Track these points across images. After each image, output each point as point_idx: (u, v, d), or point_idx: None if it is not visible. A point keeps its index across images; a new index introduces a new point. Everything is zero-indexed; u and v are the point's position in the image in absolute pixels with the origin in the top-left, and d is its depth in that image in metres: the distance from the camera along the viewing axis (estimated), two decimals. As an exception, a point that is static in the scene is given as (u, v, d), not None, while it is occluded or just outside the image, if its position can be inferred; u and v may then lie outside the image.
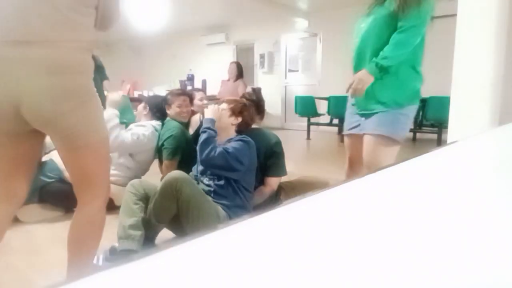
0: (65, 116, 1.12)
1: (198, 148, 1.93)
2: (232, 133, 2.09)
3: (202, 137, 1.92)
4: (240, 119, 2.10)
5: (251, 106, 2.18)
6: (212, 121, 2.00)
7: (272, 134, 2.32)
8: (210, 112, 2.04)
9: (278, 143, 2.27)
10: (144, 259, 0.26)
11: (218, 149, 1.87)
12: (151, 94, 5.17)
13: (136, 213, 1.81)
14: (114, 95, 2.55)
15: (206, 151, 1.85)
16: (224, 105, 2.11)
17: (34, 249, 1.98)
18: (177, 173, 1.76)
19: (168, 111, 2.82)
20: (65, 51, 1.10)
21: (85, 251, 1.34)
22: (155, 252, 0.26)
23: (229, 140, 2.01)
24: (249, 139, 2.01)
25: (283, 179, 2.45)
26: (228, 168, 1.89)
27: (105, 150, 1.31)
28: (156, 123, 2.79)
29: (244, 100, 2.20)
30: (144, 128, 2.66)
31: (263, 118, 2.50)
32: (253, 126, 2.35)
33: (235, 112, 2.09)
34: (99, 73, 4.75)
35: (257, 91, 2.51)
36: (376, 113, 1.71)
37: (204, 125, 1.98)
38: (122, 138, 2.49)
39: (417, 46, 1.70)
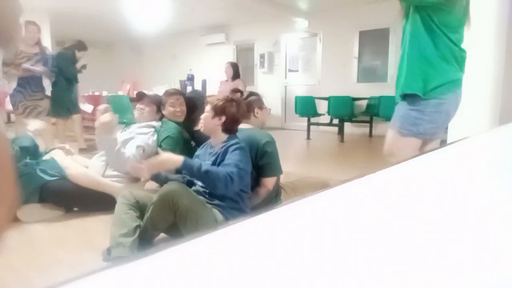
0: None
1: (210, 186, 1.82)
2: (220, 135, 2.00)
3: (206, 171, 1.76)
4: (223, 118, 1.97)
5: (236, 101, 2.05)
6: (186, 161, 1.81)
7: (263, 134, 2.26)
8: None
9: (270, 143, 2.21)
10: (143, 259, 0.26)
11: (233, 170, 1.79)
12: (151, 94, 5.18)
13: (126, 222, 1.78)
14: (104, 117, 2.30)
15: (223, 182, 1.75)
16: (208, 107, 2.01)
17: (34, 249, 1.98)
18: (174, 185, 1.73)
19: (163, 111, 2.82)
20: None
21: None
22: (154, 252, 0.26)
23: (223, 147, 1.94)
24: (242, 143, 1.98)
25: (283, 179, 2.43)
26: (244, 185, 1.89)
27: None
28: (157, 124, 2.78)
29: (226, 96, 2.08)
30: (146, 136, 2.64)
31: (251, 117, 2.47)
32: (246, 126, 2.32)
33: (217, 112, 1.97)
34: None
35: (242, 93, 2.47)
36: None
37: (195, 167, 1.78)
38: (133, 160, 2.47)
39: (416, 37, 1.72)
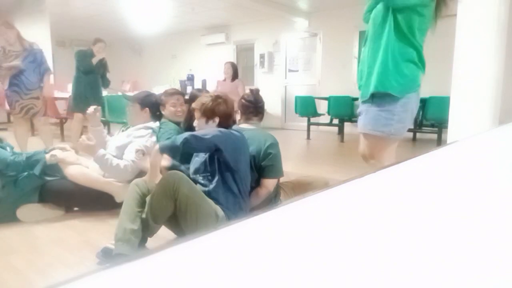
0: None
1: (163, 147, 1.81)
2: None
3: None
4: (217, 119, 1.94)
5: (222, 98, 2.00)
6: (163, 145, 1.82)
7: (267, 135, 2.26)
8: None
9: (273, 144, 2.21)
10: (143, 259, 0.26)
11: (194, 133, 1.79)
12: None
13: (138, 217, 1.77)
14: (80, 144, 2.29)
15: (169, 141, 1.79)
16: (198, 114, 1.95)
17: (34, 249, 1.98)
18: (174, 173, 1.74)
19: (163, 112, 2.80)
20: None
21: None
22: (154, 252, 0.26)
23: None
24: (238, 134, 1.94)
25: (283, 179, 2.43)
26: (197, 145, 1.79)
27: None
28: (155, 125, 2.75)
29: (210, 95, 2.02)
30: (144, 138, 2.62)
31: (261, 120, 2.46)
32: (250, 126, 2.32)
33: (208, 115, 1.94)
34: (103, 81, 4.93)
35: (255, 93, 2.46)
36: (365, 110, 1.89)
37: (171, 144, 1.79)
38: (133, 166, 2.47)
39: (388, 37, 1.77)
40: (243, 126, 2.28)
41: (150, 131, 2.67)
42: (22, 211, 2.34)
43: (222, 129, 1.89)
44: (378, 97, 1.78)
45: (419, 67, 1.78)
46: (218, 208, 1.83)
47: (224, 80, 5.45)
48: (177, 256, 0.27)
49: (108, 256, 1.72)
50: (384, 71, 1.76)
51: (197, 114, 1.97)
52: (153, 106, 2.80)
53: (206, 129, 1.93)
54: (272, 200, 2.30)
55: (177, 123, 2.76)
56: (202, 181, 1.94)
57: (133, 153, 2.50)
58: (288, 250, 0.29)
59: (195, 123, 2.01)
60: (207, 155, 1.93)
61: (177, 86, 5.72)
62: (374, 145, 1.88)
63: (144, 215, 1.78)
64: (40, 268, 1.76)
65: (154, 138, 2.65)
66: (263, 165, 2.16)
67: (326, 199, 0.42)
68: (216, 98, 1.99)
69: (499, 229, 0.34)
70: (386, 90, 1.74)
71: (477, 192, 0.47)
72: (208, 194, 1.89)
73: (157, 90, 5.46)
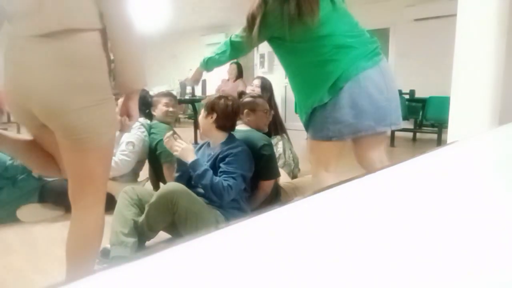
0: (76, 113, 1.04)
1: (206, 194, 1.85)
2: (217, 134, 2.03)
3: (205, 185, 1.81)
4: (215, 115, 2.00)
5: (226, 98, 2.08)
6: (194, 162, 1.86)
7: (260, 137, 2.25)
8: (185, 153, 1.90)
9: (267, 146, 2.20)
10: (143, 259, 0.26)
11: (230, 183, 1.82)
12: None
13: (129, 220, 1.78)
14: None
15: (219, 194, 1.80)
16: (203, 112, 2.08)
17: (34, 249, 1.98)
18: (173, 186, 1.73)
19: (154, 113, 2.84)
20: (82, 43, 1.04)
21: (86, 258, 1.28)
22: (153, 252, 0.26)
23: (224, 145, 1.97)
24: (243, 145, 2.00)
25: (283, 179, 2.43)
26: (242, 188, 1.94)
27: (111, 152, 1.25)
28: (144, 121, 2.76)
29: (218, 94, 2.14)
30: (133, 130, 2.61)
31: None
32: (245, 127, 2.32)
33: (208, 110, 2.02)
34: None
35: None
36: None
37: (197, 172, 1.84)
38: (125, 161, 2.49)
39: (285, 59, 1.74)
40: (238, 127, 2.27)
41: (138, 123, 2.68)
42: (22, 211, 2.34)
43: (246, 154, 1.96)
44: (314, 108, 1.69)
45: (335, 61, 1.60)
46: (218, 214, 1.83)
47: (228, 80, 5.48)
48: (177, 257, 0.27)
49: (107, 257, 1.73)
50: (303, 90, 1.70)
51: (202, 114, 2.08)
52: (144, 100, 2.82)
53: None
54: (273, 200, 2.30)
55: (168, 123, 2.81)
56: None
57: (123, 145, 2.54)
58: (288, 251, 0.29)
59: (199, 118, 2.12)
60: (209, 162, 1.94)
61: (177, 86, 5.72)
62: (317, 149, 1.77)
63: (140, 222, 1.79)
64: (40, 268, 1.76)
65: (143, 130, 2.67)
66: (258, 167, 2.15)
67: (326, 199, 0.42)
68: (219, 97, 2.08)
69: (499, 229, 0.34)
70: (313, 106, 1.66)
71: (477, 192, 0.47)
72: (209, 198, 1.89)
73: (157, 90, 5.45)
